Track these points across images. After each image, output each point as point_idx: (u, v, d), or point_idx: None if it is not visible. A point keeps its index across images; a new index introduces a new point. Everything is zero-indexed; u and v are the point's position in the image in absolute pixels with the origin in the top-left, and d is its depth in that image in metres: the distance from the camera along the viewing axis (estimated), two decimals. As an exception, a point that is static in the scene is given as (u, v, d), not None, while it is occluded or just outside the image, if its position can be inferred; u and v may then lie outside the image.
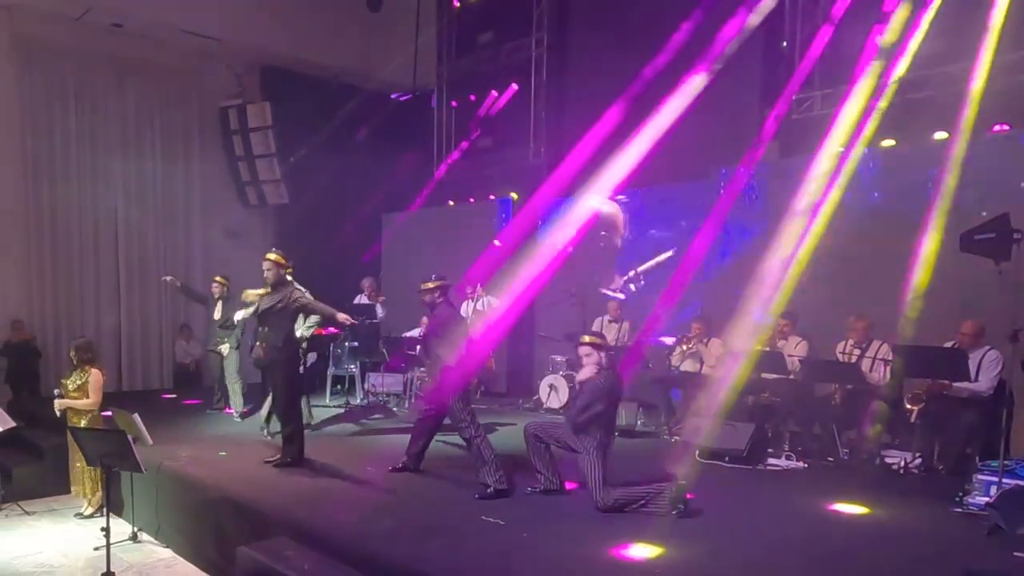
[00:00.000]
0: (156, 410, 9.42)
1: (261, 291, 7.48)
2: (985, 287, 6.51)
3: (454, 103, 14.30)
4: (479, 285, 10.62)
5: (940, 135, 8.22)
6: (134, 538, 7.01)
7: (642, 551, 4.83)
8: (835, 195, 8.46)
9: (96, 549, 6.45)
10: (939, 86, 8.34)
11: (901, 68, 8.51)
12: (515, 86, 13.04)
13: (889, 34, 8.53)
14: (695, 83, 9.16)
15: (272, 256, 7.30)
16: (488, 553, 4.90)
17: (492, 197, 13.15)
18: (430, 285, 6.92)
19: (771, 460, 7.34)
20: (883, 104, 8.49)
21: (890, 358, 7.31)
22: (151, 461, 6.66)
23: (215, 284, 10.13)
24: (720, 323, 8.84)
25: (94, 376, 7.33)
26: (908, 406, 7.19)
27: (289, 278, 7.45)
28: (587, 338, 6.12)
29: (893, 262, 7.90)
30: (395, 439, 7.71)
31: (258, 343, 7.40)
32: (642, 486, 5.88)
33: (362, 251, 14.15)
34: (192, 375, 12.98)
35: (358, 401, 10.83)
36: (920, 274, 7.50)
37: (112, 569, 5.79)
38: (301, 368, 7.97)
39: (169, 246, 13.29)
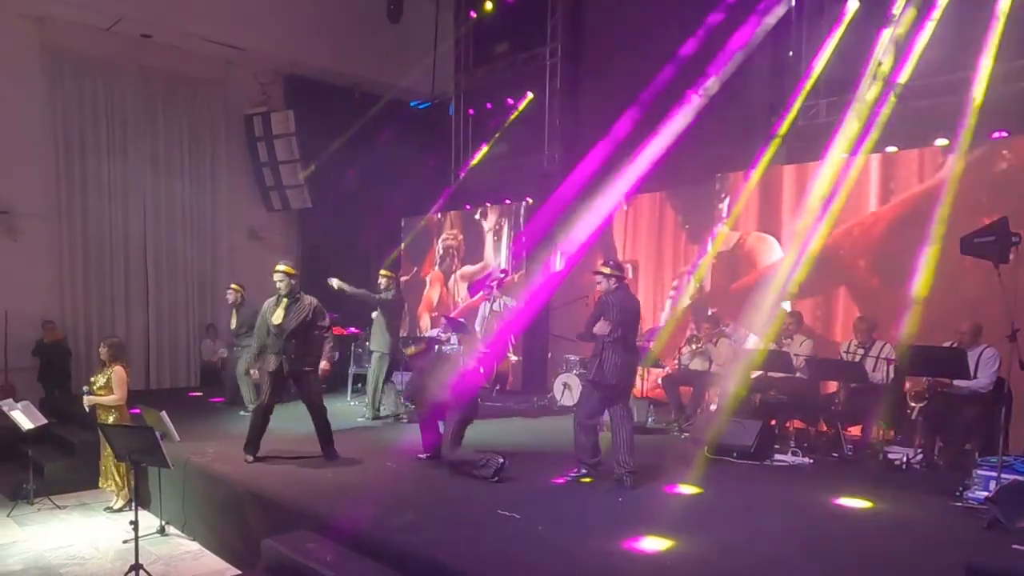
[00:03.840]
0: (183, 407, 9.58)
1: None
2: (985, 288, 6.63)
3: (471, 111, 14.52)
4: (495, 287, 10.82)
5: (941, 141, 8.32)
6: (162, 531, 7.12)
7: (653, 544, 4.92)
8: (840, 200, 8.61)
9: (125, 542, 6.61)
10: (940, 94, 8.45)
11: (904, 76, 8.62)
12: (530, 94, 13.25)
13: (892, 44, 8.67)
14: (704, 91, 9.33)
15: (283, 267, 7.24)
16: (504, 545, 4.96)
17: (508, 202, 13.33)
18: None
19: (778, 456, 7.43)
20: (886, 111, 8.59)
21: (892, 357, 7.40)
22: (178, 457, 6.74)
23: (230, 292, 10.02)
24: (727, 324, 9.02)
25: (117, 372, 7.41)
26: (911, 403, 7.33)
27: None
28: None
29: (896, 265, 8.05)
30: (414, 434, 7.78)
31: (276, 355, 7.20)
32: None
33: (383, 253, 14.35)
34: (218, 373, 13.16)
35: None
36: (922, 276, 7.63)
37: (140, 561, 5.80)
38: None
39: (196, 249, 13.54)
